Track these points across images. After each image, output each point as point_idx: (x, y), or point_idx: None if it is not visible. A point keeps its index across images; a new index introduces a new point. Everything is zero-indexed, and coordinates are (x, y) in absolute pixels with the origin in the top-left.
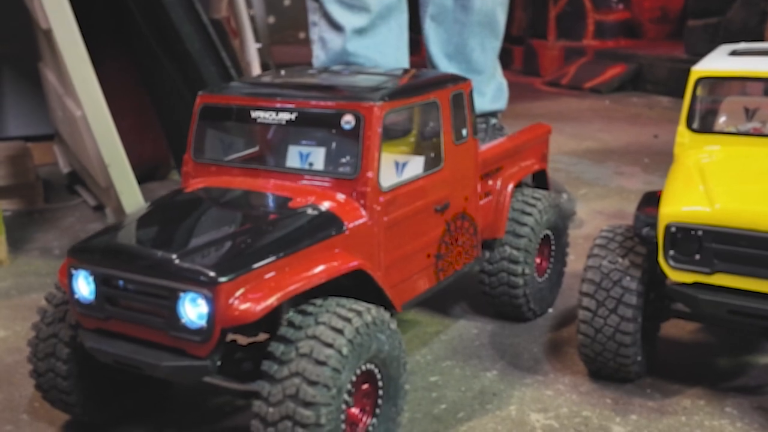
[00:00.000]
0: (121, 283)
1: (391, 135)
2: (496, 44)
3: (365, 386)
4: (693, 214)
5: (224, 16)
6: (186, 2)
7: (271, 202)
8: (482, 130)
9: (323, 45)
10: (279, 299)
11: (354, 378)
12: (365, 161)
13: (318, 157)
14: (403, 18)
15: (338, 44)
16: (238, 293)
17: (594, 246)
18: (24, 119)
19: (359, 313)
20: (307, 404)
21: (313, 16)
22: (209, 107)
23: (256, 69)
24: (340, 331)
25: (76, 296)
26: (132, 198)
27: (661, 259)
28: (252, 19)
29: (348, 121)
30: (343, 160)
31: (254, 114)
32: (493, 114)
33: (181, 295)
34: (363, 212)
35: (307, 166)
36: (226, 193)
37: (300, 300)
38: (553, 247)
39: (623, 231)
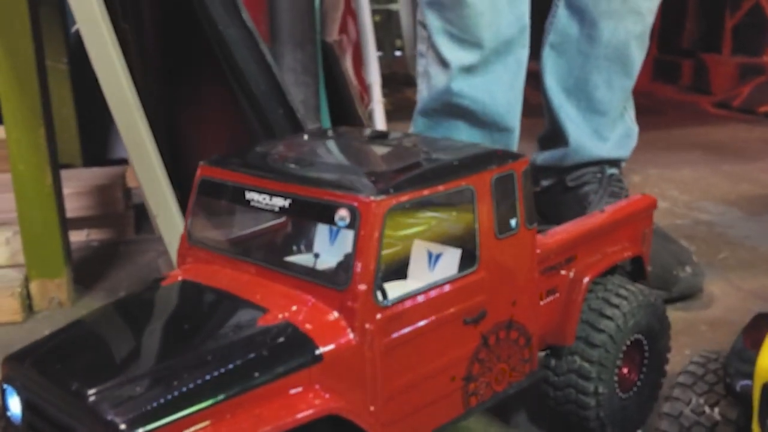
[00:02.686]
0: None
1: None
2: (626, 83)
3: None
4: None
5: (335, 39)
6: (251, 42)
7: (240, 315)
8: (596, 181)
9: (428, 80)
10: None
11: None
12: (357, 270)
13: (312, 257)
14: (523, 54)
15: (442, 82)
16: None
17: (676, 385)
18: None
19: None
20: None
21: (421, 46)
22: (208, 182)
23: (377, 91)
24: None
25: (8, 413)
26: None
27: (755, 427)
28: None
29: (342, 217)
30: (336, 265)
31: (248, 196)
32: (614, 162)
33: None
34: (350, 333)
35: (305, 264)
36: (200, 295)
37: None
38: (646, 355)
39: (722, 364)
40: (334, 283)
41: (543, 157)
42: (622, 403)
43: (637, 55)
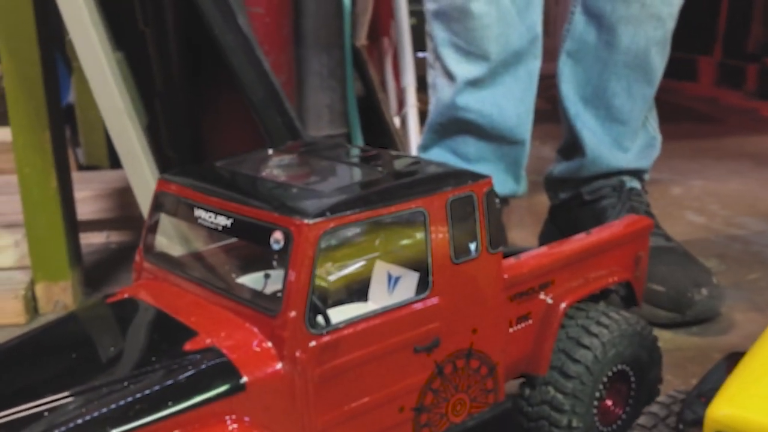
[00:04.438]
0: None
1: (393, 231)
2: (647, 91)
3: None
4: (755, 426)
5: (363, 44)
6: (247, 48)
7: (169, 338)
8: (614, 195)
9: (435, 92)
10: None
11: None
12: (288, 296)
13: (253, 273)
14: (534, 65)
15: (448, 95)
16: None
17: (636, 426)
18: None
19: None
20: None
21: (430, 57)
22: (165, 196)
23: (412, 95)
24: None
25: None
26: None
27: None
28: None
29: (277, 239)
30: (271, 290)
31: (196, 213)
32: (634, 173)
33: None
34: (278, 361)
35: (250, 288)
36: (137, 315)
37: None
38: (632, 386)
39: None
40: (266, 309)
41: (560, 168)
42: None
43: (658, 62)
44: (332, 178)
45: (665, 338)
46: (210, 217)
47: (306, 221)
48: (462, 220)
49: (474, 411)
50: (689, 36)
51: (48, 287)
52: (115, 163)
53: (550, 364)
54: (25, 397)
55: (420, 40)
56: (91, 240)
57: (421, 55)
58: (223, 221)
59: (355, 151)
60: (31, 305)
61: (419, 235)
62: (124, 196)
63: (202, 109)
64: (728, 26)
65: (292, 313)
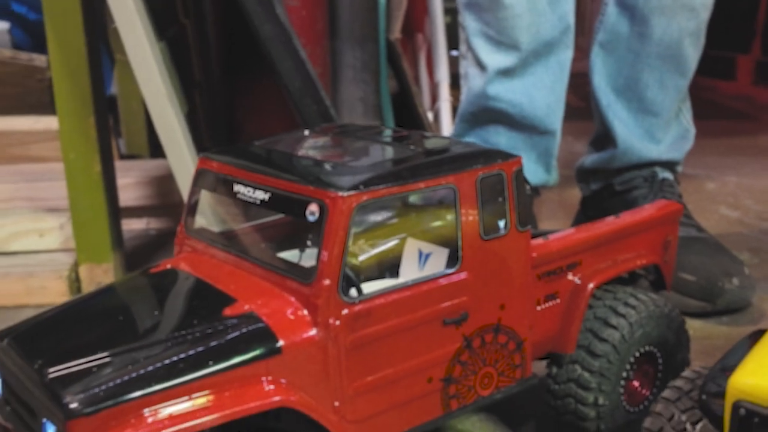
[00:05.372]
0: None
1: (424, 210)
2: (680, 82)
3: None
4: None
5: (397, 37)
6: (285, 38)
7: (210, 304)
8: (646, 185)
9: (466, 82)
10: None
11: None
12: (323, 265)
13: (289, 250)
14: (566, 55)
15: (479, 85)
16: (97, 431)
17: (660, 399)
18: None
19: None
20: None
21: (462, 47)
22: (205, 173)
23: (445, 89)
24: None
25: None
26: None
27: None
28: None
29: (312, 211)
30: (307, 262)
31: (235, 188)
32: (666, 165)
33: (44, 421)
34: (314, 327)
35: (287, 259)
36: (179, 283)
37: None
38: (660, 368)
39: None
40: (302, 278)
41: (591, 159)
42: (628, 417)
43: (692, 53)
44: (365, 155)
45: (695, 327)
46: (248, 191)
47: (340, 194)
48: (491, 197)
49: (501, 385)
50: (727, 34)
51: (91, 269)
52: (155, 152)
53: (577, 343)
54: (77, 353)
55: (454, 39)
56: (131, 226)
57: (454, 53)
58: (261, 195)
59: (388, 132)
60: (75, 286)
61: (449, 213)
62: (163, 183)
63: (239, 100)
64: (767, 23)
65: (326, 282)
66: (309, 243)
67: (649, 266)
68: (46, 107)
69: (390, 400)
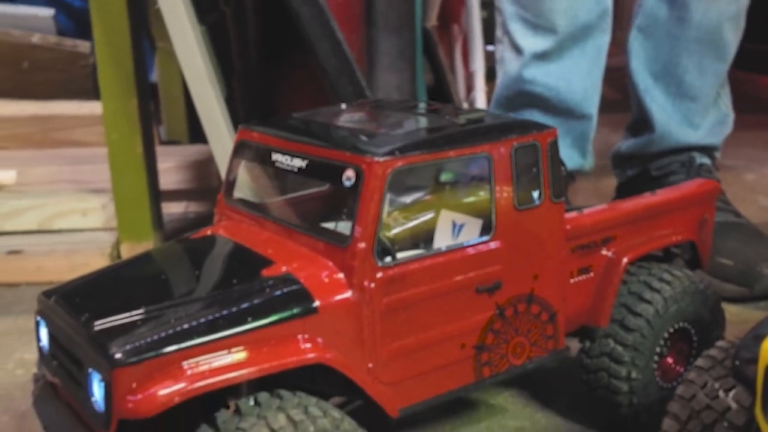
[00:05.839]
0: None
1: (456, 186)
2: (720, 67)
3: None
4: None
5: (434, 24)
6: (322, 19)
7: (248, 266)
8: (683, 171)
9: (502, 66)
10: (185, 395)
11: None
12: (358, 228)
13: (326, 215)
14: (603, 40)
15: (514, 68)
16: (140, 380)
17: (693, 368)
18: None
19: (296, 423)
20: None
21: (498, 32)
22: (245, 144)
23: (480, 79)
24: None
25: (40, 344)
26: None
27: (758, 411)
28: None
29: (349, 177)
30: (342, 223)
31: (274, 157)
32: (704, 150)
33: (90, 371)
34: (349, 290)
35: (323, 225)
36: (218, 247)
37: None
38: (694, 345)
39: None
40: (338, 241)
41: (627, 144)
42: (662, 393)
43: (732, 38)
44: (401, 125)
45: (732, 312)
46: (286, 160)
47: (376, 159)
48: (526, 167)
49: (534, 355)
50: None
51: (132, 247)
52: (194, 139)
53: (610, 317)
54: (121, 308)
55: (490, 34)
56: (170, 209)
57: (490, 48)
58: (298, 163)
59: (423, 105)
60: None
61: (483, 187)
62: (202, 168)
63: (276, 87)
64: None
65: (362, 245)
66: (345, 213)
67: (685, 245)
68: (90, 93)
69: (423, 365)
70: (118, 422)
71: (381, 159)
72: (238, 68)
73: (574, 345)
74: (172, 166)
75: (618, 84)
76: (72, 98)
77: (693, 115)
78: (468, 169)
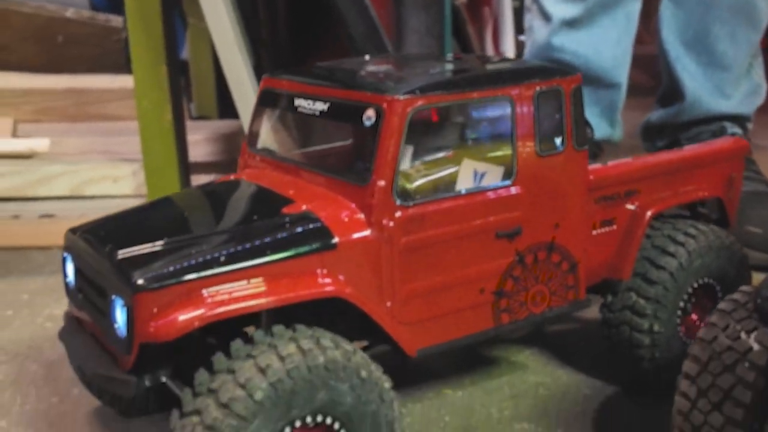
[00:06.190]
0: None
1: (478, 134)
2: (752, 36)
3: None
4: None
5: (462, 2)
6: None
7: (269, 205)
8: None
9: (530, 34)
10: (204, 320)
11: None
12: (378, 166)
13: (347, 159)
14: (633, 7)
15: (543, 36)
16: (161, 306)
17: (716, 311)
18: None
19: (305, 352)
20: None
21: (527, 0)
22: (269, 92)
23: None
24: (262, 372)
25: (67, 279)
26: None
27: None
28: None
29: (369, 116)
30: (362, 163)
31: (296, 102)
32: (736, 119)
33: (113, 297)
34: (368, 228)
35: (342, 166)
36: (242, 189)
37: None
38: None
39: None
40: (358, 180)
41: (658, 114)
42: (685, 348)
43: (765, 7)
44: (424, 70)
45: (759, 280)
46: (308, 104)
47: (396, 97)
48: (549, 113)
49: (554, 305)
50: None
51: None
52: (223, 115)
53: (633, 271)
54: (145, 240)
55: (520, 23)
56: (200, 181)
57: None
58: (320, 107)
59: (448, 56)
60: None
61: (506, 133)
62: (231, 141)
63: (303, 60)
64: None
65: (381, 183)
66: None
67: (713, 204)
68: (122, 67)
69: (441, 307)
70: (140, 348)
71: (401, 97)
72: (266, 39)
73: (595, 310)
74: (201, 139)
75: (652, 70)
76: (105, 72)
77: (725, 84)
78: (490, 114)
